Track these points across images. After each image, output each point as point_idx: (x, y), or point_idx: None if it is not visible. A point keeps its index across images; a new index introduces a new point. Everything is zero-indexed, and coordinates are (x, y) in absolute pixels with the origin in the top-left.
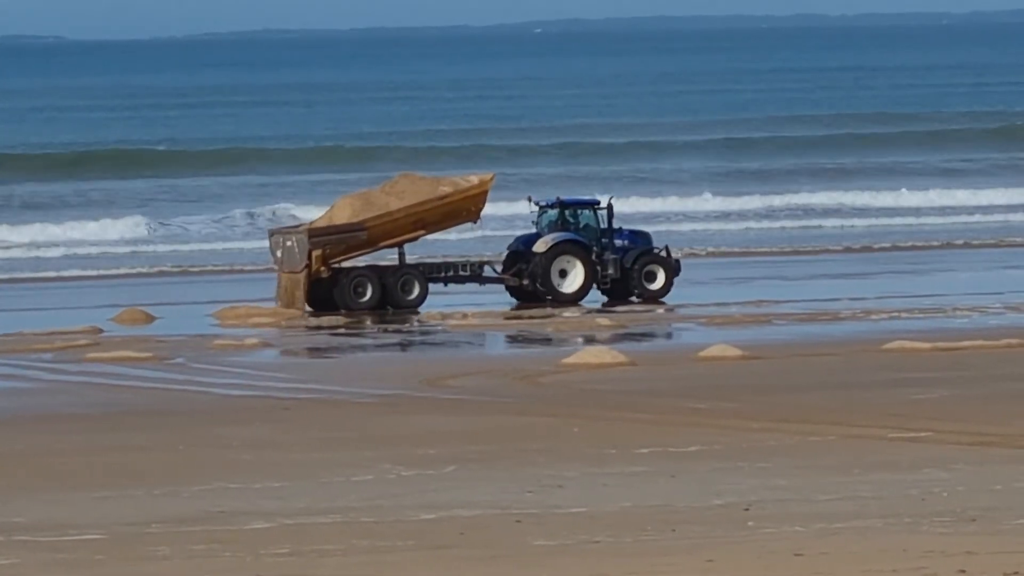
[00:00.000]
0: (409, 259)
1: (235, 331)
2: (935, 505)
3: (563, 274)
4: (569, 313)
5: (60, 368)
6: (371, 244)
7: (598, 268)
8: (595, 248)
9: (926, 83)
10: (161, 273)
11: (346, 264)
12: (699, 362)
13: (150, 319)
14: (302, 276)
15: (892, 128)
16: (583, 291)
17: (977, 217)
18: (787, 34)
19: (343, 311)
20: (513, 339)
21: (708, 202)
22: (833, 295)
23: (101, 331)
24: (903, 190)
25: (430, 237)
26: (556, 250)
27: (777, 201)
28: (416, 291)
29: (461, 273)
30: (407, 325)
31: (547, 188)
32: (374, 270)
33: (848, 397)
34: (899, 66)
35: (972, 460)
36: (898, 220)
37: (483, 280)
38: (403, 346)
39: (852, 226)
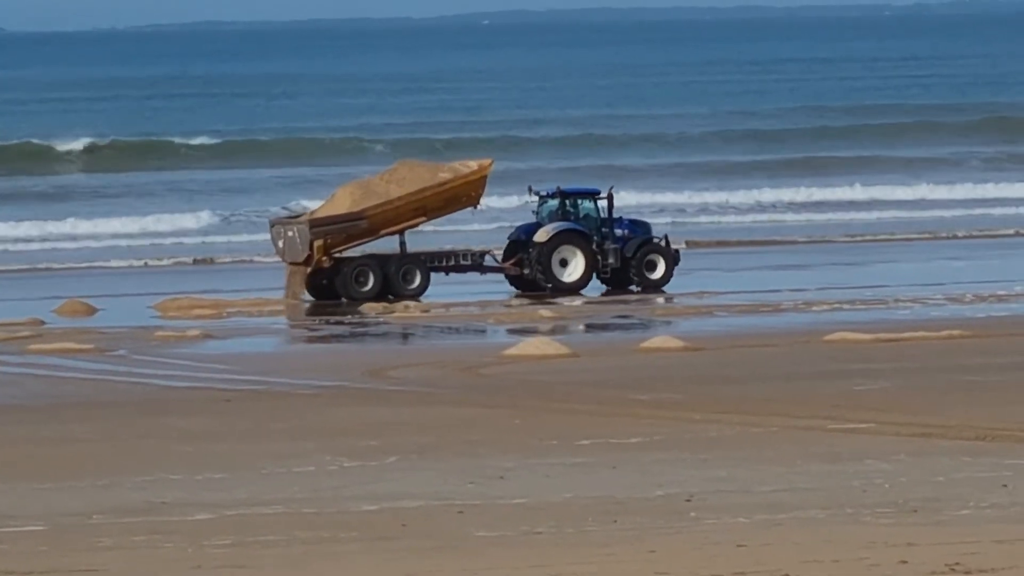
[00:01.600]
0: (410, 248)
1: (177, 323)
2: (877, 496)
3: (564, 263)
4: (512, 305)
5: (2, 360)
6: (372, 232)
7: (599, 257)
8: (595, 238)
9: (875, 74)
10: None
11: (348, 253)
12: (641, 353)
13: (92, 311)
14: (300, 267)
15: (845, 121)
16: (584, 280)
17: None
18: (731, 25)
19: (344, 300)
20: (455, 330)
21: (660, 196)
22: (775, 286)
23: (43, 323)
24: (857, 184)
25: (427, 226)
26: (557, 239)
27: (731, 196)
28: (417, 280)
29: (462, 262)
30: (350, 317)
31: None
32: (376, 259)
33: (790, 388)
34: (847, 57)
35: (914, 451)
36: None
37: (484, 269)
38: (346, 337)
39: (808, 221)
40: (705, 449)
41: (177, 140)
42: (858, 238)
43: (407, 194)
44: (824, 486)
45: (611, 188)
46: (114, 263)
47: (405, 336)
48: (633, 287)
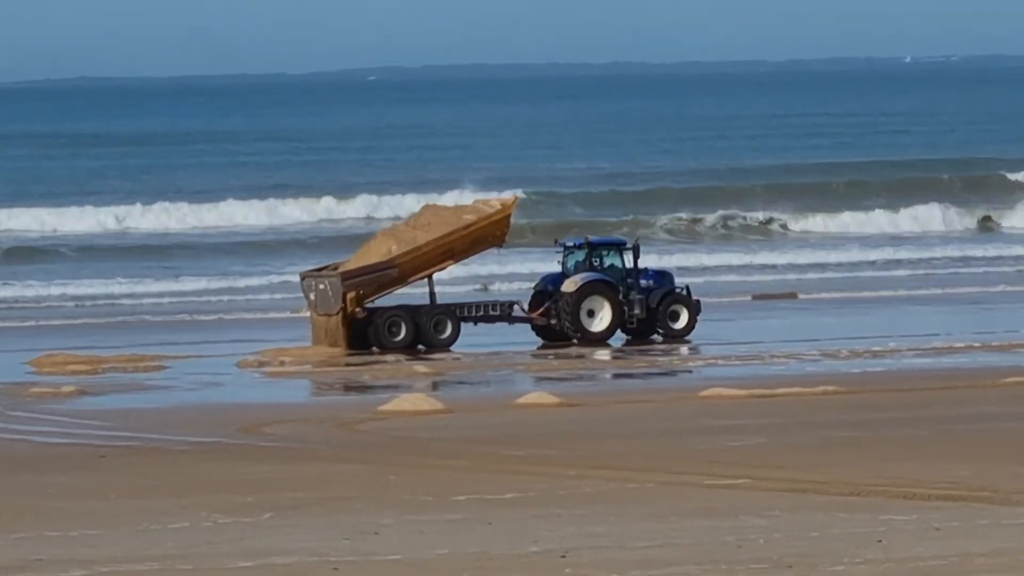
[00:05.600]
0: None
1: (52, 379)
2: (752, 552)
3: (591, 314)
4: (387, 361)
5: None
6: (402, 280)
7: (625, 308)
8: (621, 288)
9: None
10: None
11: (378, 302)
12: (516, 409)
13: None
14: (338, 318)
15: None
16: (611, 331)
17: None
18: (605, 81)
19: (377, 350)
20: (330, 386)
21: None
22: (649, 343)
23: None
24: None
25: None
26: (585, 290)
27: None
28: (448, 330)
29: (491, 313)
30: (225, 372)
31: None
32: (407, 310)
33: (665, 444)
34: (727, 115)
35: (789, 507)
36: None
37: (512, 319)
38: (220, 393)
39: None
40: (580, 505)
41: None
42: (736, 296)
43: (434, 239)
44: (699, 542)
45: (637, 239)
46: None
47: (279, 391)
48: (657, 337)
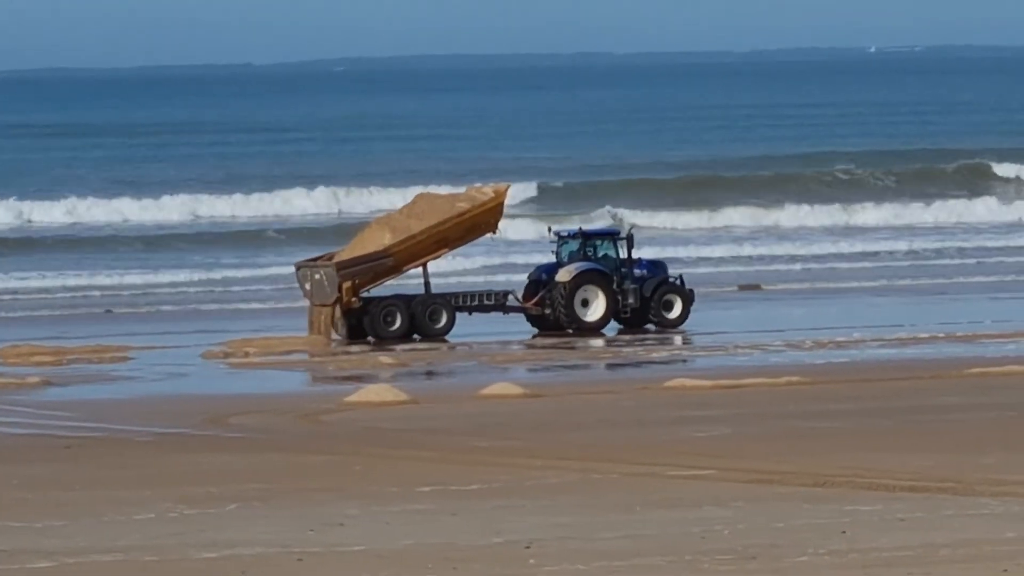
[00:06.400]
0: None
1: (17, 369)
2: (716, 543)
3: (585, 303)
4: (352, 352)
5: None
6: (397, 269)
7: (619, 297)
8: (615, 278)
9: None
10: None
11: (374, 292)
12: (481, 400)
13: None
14: (334, 307)
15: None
16: (605, 320)
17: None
18: (573, 72)
19: (373, 339)
20: (295, 377)
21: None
22: (614, 333)
23: None
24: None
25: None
26: (579, 280)
27: None
28: (444, 320)
29: (486, 303)
30: (190, 363)
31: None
32: (403, 299)
33: (630, 435)
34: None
35: (753, 498)
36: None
37: (507, 309)
38: (185, 384)
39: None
40: (545, 496)
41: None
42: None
43: (428, 227)
44: (664, 533)
45: (631, 228)
46: None
47: (245, 382)
48: (651, 326)
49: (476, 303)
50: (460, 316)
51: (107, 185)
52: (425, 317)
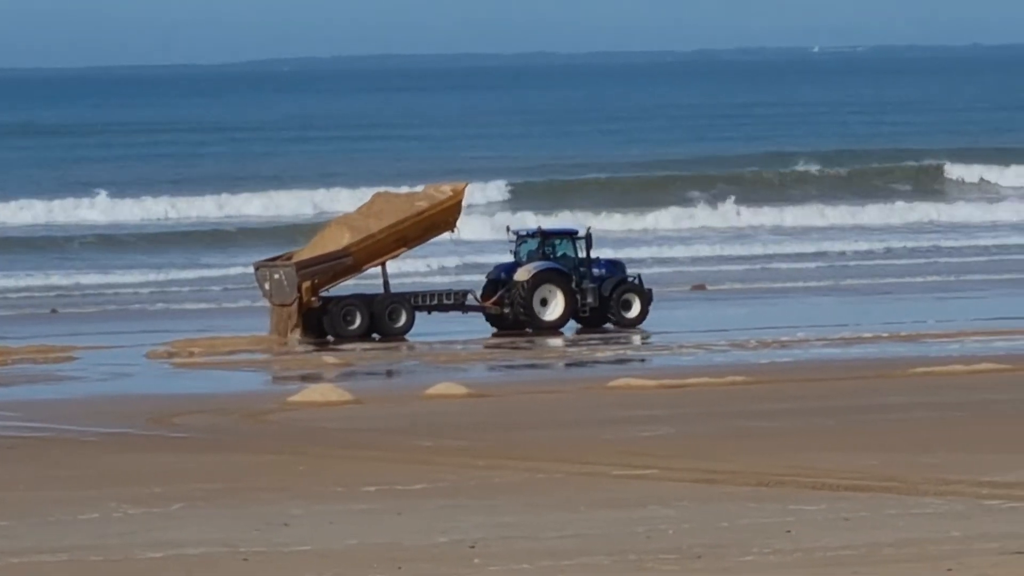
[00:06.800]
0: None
1: None
2: (661, 542)
3: (544, 303)
4: (296, 351)
5: None
6: (357, 268)
7: (578, 297)
8: (574, 277)
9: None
10: None
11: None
12: (425, 400)
13: None
14: (294, 307)
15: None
16: (564, 319)
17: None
18: (516, 72)
19: (333, 339)
20: (240, 377)
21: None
22: (573, 332)
23: None
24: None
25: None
26: (538, 279)
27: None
28: (403, 319)
29: (445, 302)
30: (134, 363)
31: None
32: (363, 299)
33: (574, 434)
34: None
35: (697, 497)
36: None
37: (466, 308)
38: (130, 384)
39: None
40: (490, 495)
41: None
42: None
43: (387, 226)
44: (608, 532)
45: (589, 228)
46: None
47: (189, 382)
48: (609, 325)
49: (435, 302)
50: (420, 315)
51: (53, 186)
52: (385, 316)
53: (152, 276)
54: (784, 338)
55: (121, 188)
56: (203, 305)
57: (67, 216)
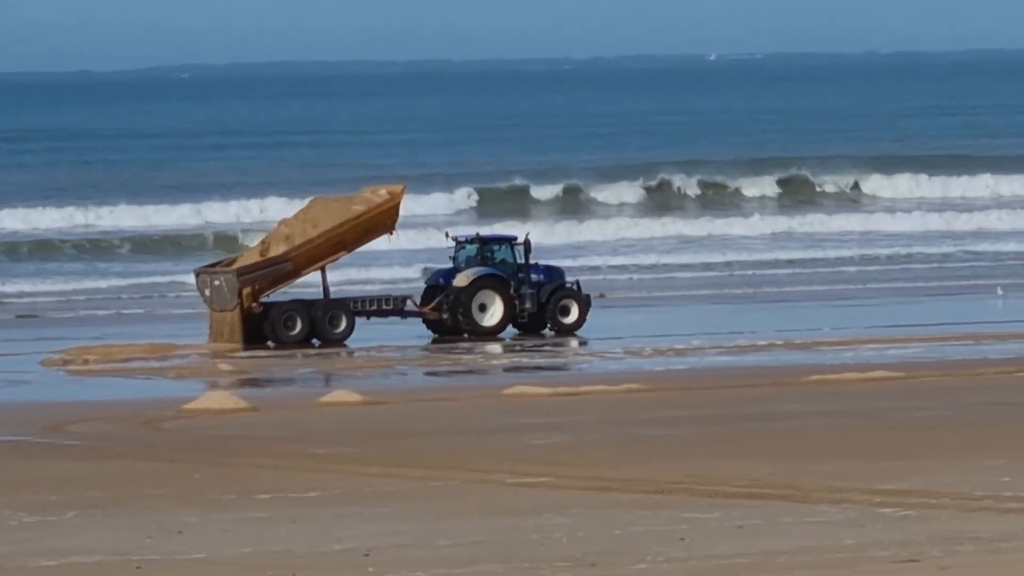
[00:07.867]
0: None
1: None
2: (554, 550)
3: (483, 308)
4: (192, 359)
5: None
6: (297, 273)
7: (516, 302)
8: (513, 283)
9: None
10: None
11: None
12: (320, 408)
13: None
14: (235, 313)
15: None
16: (502, 325)
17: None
18: (411, 79)
19: (273, 344)
20: (135, 385)
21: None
22: (457, 341)
23: None
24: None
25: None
26: (477, 284)
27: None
28: (343, 324)
29: (384, 307)
30: (29, 370)
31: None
32: (303, 304)
33: (468, 442)
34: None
35: (592, 505)
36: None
37: (405, 314)
38: (24, 392)
39: None
40: (383, 503)
41: None
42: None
43: (326, 231)
44: (502, 540)
45: (527, 234)
46: None
47: (83, 389)
48: (548, 331)
49: (375, 307)
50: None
51: None
52: (325, 322)
53: (47, 284)
54: (679, 346)
55: (9, 196)
56: (101, 312)
57: None
